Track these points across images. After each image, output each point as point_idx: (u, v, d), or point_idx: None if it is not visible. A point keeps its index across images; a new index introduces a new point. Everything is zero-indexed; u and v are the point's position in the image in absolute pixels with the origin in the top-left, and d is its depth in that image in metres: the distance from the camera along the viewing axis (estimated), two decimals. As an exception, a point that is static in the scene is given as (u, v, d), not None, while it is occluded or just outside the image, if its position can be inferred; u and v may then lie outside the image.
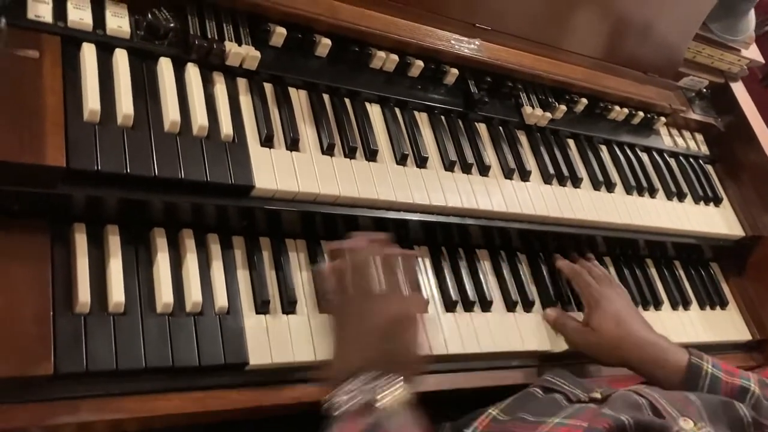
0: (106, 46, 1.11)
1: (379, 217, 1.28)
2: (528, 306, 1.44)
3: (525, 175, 1.50)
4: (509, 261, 1.49)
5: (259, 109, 1.21)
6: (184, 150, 1.09)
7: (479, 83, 1.50)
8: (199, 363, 1.04)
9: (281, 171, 1.17)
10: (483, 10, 1.49)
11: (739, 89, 2.01)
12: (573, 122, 1.68)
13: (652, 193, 1.74)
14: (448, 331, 1.30)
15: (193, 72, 1.17)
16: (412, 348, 1.03)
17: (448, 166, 1.39)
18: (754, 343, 1.84)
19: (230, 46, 1.19)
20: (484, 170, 1.44)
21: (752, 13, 1.95)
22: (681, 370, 1.26)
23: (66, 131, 0.99)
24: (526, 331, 1.41)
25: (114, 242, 1.05)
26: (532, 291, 1.47)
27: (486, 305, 1.38)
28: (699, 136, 2.00)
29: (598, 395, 1.12)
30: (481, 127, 1.53)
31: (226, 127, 1.15)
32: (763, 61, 2.02)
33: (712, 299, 1.82)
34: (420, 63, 1.42)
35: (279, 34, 1.25)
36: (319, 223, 1.25)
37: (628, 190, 1.69)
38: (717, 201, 1.89)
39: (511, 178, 1.48)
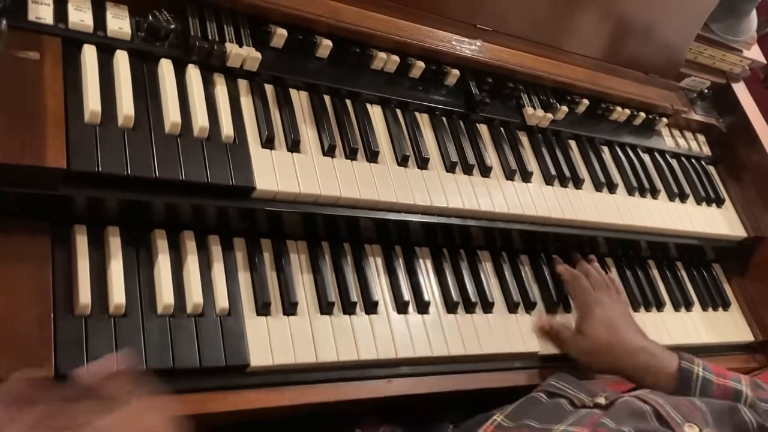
0: (106, 48, 1.11)
1: (380, 218, 1.27)
2: (530, 307, 1.44)
3: (526, 176, 1.50)
4: (511, 262, 1.48)
5: (260, 111, 1.21)
6: (184, 151, 1.09)
7: (480, 84, 1.50)
8: (199, 364, 1.04)
9: (282, 172, 1.17)
10: (484, 11, 1.49)
11: (740, 90, 2.01)
12: (574, 123, 1.68)
13: (654, 194, 1.74)
14: (450, 333, 1.30)
15: (193, 73, 1.17)
16: None
17: (450, 167, 1.39)
18: (757, 344, 1.84)
19: (231, 48, 1.19)
20: (485, 171, 1.44)
21: (754, 14, 1.95)
22: (672, 376, 1.26)
23: (67, 132, 0.99)
24: (527, 332, 1.40)
25: (115, 244, 1.05)
26: (534, 292, 1.47)
27: (487, 306, 1.38)
28: (701, 137, 2.00)
29: (602, 400, 1.12)
30: (483, 128, 1.52)
31: (227, 129, 1.15)
32: (765, 61, 2.02)
33: (714, 300, 1.82)
34: (421, 64, 1.42)
35: (280, 35, 1.25)
36: (321, 225, 1.25)
37: (630, 191, 1.69)
38: (719, 202, 1.88)
39: (512, 179, 1.48)
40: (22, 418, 0.77)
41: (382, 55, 1.37)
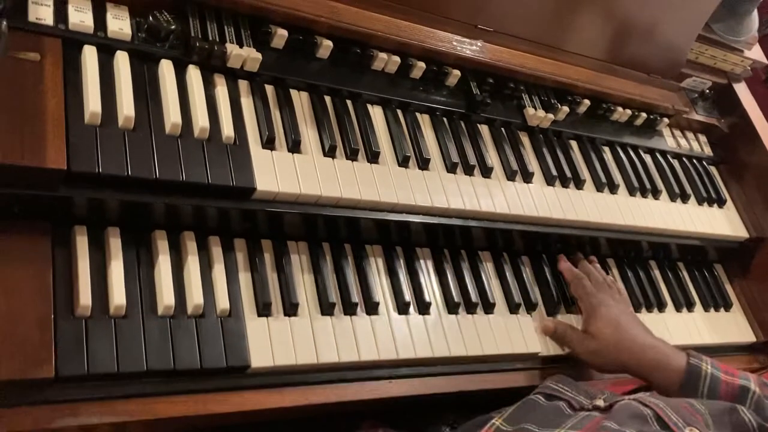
0: (107, 49, 1.11)
1: (381, 219, 1.27)
2: (531, 308, 1.44)
3: (527, 177, 1.50)
4: (512, 263, 1.48)
5: (261, 111, 1.21)
6: (185, 152, 1.09)
7: (481, 85, 1.50)
8: (200, 365, 1.04)
9: (283, 173, 1.17)
10: (485, 11, 1.49)
11: (742, 90, 2.00)
12: (576, 124, 1.67)
13: (656, 194, 1.73)
14: (451, 333, 1.29)
15: (194, 74, 1.17)
16: None
17: (450, 168, 1.39)
18: (759, 344, 1.84)
19: (231, 48, 1.19)
20: (486, 172, 1.44)
21: (755, 14, 1.95)
22: (681, 372, 1.26)
23: (67, 133, 0.99)
24: (529, 333, 1.40)
25: (115, 245, 1.05)
26: (535, 293, 1.47)
27: (489, 307, 1.38)
28: (702, 137, 2.00)
29: (601, 402, 1.11)
30: (484, 129, 1.52)
31: (228, 129, 1.14)
32: (766, 61, 2.01)
33: (716, 301, 1.82)
34: (422, 64, 1.41)
35: (280, 35, 1.25)
36: (321, 225, 1.25)
37: (632, 192, 1.68)
38: (720, 202, 1.88)
39: (513, 180, 1.48)
40: None
41: (383, 55, 1.37)
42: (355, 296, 1.23)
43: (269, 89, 1.26)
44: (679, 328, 1.68)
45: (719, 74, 1.98)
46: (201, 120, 1.12)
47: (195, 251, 1.11)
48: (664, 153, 1.86)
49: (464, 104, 1.49)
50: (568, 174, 1.57)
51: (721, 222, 1.84)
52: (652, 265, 1.76)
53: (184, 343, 1.04)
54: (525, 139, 1.58)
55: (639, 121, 1.78)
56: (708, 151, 1.98)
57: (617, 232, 1.61)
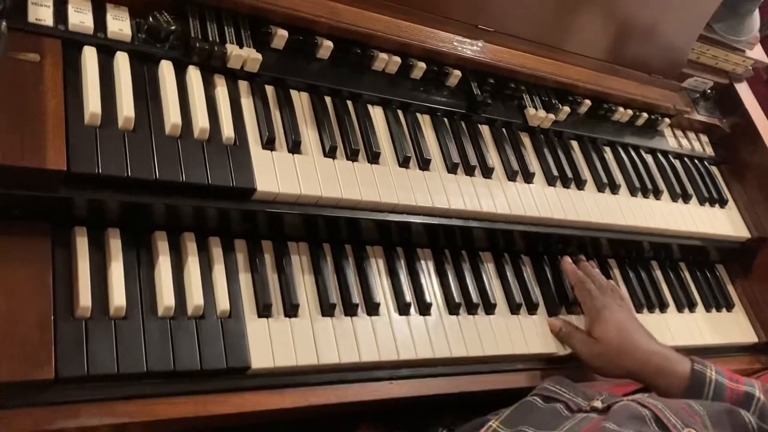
0: (107, 49, 1.11)
1: (381, 219, 1.27)
2: (532, 309, 1.44)
3: (528, 177, 1.49)
4: (513, 263, 1.48)
5: (261, 112, 1.21)
6: (185, 153, 1.08)
7: (482, 85, 1.50)
8: (200, 367, 1.03)
9: (283, 174, 1.17)
10: (486, 11, 1.48)
11: (743, 90, 2.00)
12: (577, 124, 1.67)
13: (657, 194, 1.73)
14: (452, 334, 1.29)
15: (194, 74, 1.17)
16: None
17: (451, 168, 1.38)
18: (761, 345, 1.83)
19: (231, 49, 1.18)
20: (487, 172, 1.43)
21: (757, 14, 1.94)
22: (685, 379, 1.25)
23: (67, 134, 0.99)
24: (530, 333, 1.40)
25: (115, 245, 1.05)
26: (536, 293, 1.46)
27: (490, 308, 1.37)
28: (704, 137, 1.99)
29: (598, 404, 1.11)
30: (484, 129, 1.52)
31: (228, 130, 1.14)
32: (767, 61, 2.01)
33: (717, 301, 1.81)
34: (422, 65, 1.41)
35: (280, 36, 1.25)
36: (322, 226, 1.24)
37: (633, 192, 1.68)
38: (722, 202, 1.88)
39: (514, 180, 1.47)
40: None
41: (384, 56, 1.37)
42: (356, 297, 1.23)
43: (269, 90, 1.26)
44: (681, 329, 1.68)
45: (721, 74, 1.98)
46: (201, 121, 1.12)
47: (195, 252, 1.11)
48: (665, 153, 1.86)
49: (465, 104, 1.49)
50: (569, 174, 1.57)
51: (723, 222, 1.84)
52: (654, 265, 1.75)
53: (184, 344, 1.03)
54: (526, 140, 1.58)
55: (640, 122, 1.78)
56: (709, 151, 1.98)
57: (618, 233, 1.61)
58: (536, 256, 1.53)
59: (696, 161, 1.93)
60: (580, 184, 1.58)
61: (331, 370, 1.16)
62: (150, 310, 1.04)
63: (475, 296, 1.36)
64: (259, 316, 1.13)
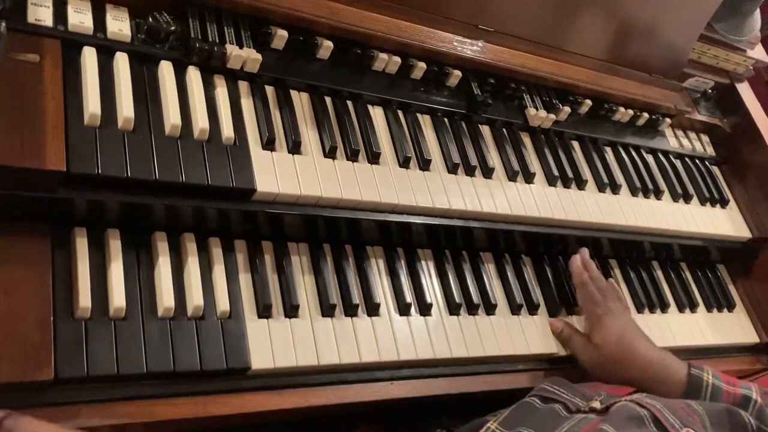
0: (106, 50, 1.11)
1: (381, 219, 1.27)
2: (533, 309, 1.43)
3: (529, 177, 1.49)
4: (513, 264, 1.48)
5: (261, 112, 1.21)
6: (185, 153, 1.08)
7: (482, 85, 1.50)
8: (200, 367, 1.03)
9: (283, 174, 1.17)
10: (486, 11, 1.48)
11: (744, 90, 2.00)
12: (577, 124, 1.67)
13: (658, 194, 1.73)
14: (452, 335, 1.29)
15: (194, 75, 1.17)
16: None
17: (452, 169, 1.38)
18: (762, 345, 1.83)
19: (231, 49, 1.18)
20: (487, 172, 1.43)
21: (758, 13, 1.94)
22: (682, 384, 1.25)
23: (66, 135, 0.99)
24: (531, 334, 1.39)
25: (115, 246, 1.05)
26: (537, 294, 1.46)
27: (490, 308, 1.37)
28: (705, 137, 1.99)
29: (597, 404, 1.11)
30: (485, 129, 1.52)
31: (228, 130, 1.14)
32: (768, 61, 2.01)
33: (719, 301, 1.81)
34: (423, 65, 1.41)
35: (280, 36, 1.25)
36: (322, 227, 1.24)
37: (634, 192, 1.68)
38: (723, 202, 1.87)
39: (514, 181, 1.47)
40: None
41: (384, 56, 1.36)
42: (356, 297, 1.22)
43: (269, 90, 1.26)
44: (682, 329, 1.67)
45: (722, 74, 1.97)
46: (201, 121, 1.12)
47: (195, 253, 1.11)
48: (666, 153, 1.86)
49: (465, 105, 1.49)
50: (570, 174, 1.57)
51: (724, 222, 1.83)
52: (655, 265, 1.75)
53: (184, 344, 1.03)
54: (526, 140, 1.57)
55: (641, 122, 1.77)
56: (710, 151, 1.98)
57: (619, 233, 1.61)
58: (537, 256, 1.53)
59: (697, 161, 1.92)
60: (581, 184, 1.58)
61: (332, 371, 1.16)
62: (150, 311, 1.04)
63: (475, 297, 1.36)
64: (259, 316, 1.13)
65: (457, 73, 1.46)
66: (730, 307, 1.83)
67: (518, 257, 1.49)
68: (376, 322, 1.22)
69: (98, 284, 1.01)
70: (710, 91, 1.96)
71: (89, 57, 1.08)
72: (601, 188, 1.62)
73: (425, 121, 1.43)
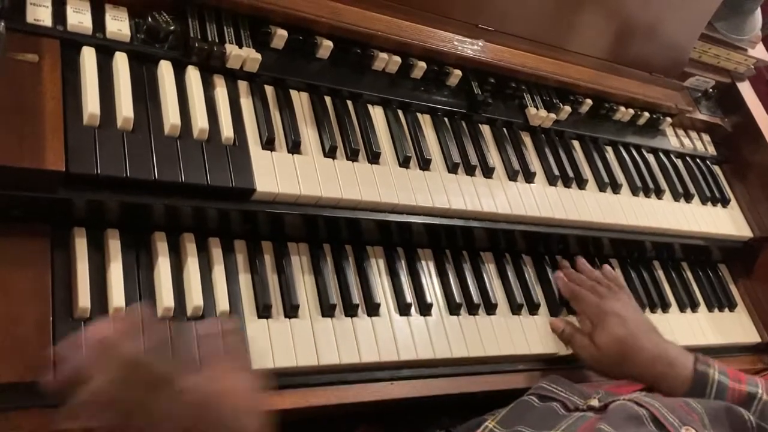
0: (105, 50, 1.11)
1: (381, 219, 1.27)
2: (533, 309, 1.43)
3: (529, 177, 1.49)
4: (514, 263, 1.47)
5: (260, 112, 1.21)
6: (184, 153, 1.08)
7: (483, 84, 1.49)
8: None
9: (283, 174, 1.16)
10: (486, 10, 1.48)
11: (745, 89, 1.99)
12: (578, 123, 1.67)
13: (659, 194, 1.72)
14: (452, 335, 1.29)
15: (193, 75, 1.17)
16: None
17: (452, 168, 1.38)
18: (763, 345, 1.82)
19: (231, 49, 1.18)
20: (487, 172, 1.43)
21: (758, 13, 1.94)
22: (688, 380, 1.24)
23: (65, 135, 0.99)
24: (531, 334, 1.39)
25: (114, 246, 1.05)
26: (538, 294, 1.46)
27: (491, 308, 1.37)
28: (706, 137, 1.99)
29: (595, 402, 1.10)
30: (485, 129, 1.52)
31: (227, 130, 1.14)
32: (769, 60, 2.00)
33: (720, 301, 1.81)
34: (423, 64, 1.41)
35: (280, 36, 1.24)
36: (322, 227, 1.24)
37: (635, 192, 1.67)
38: (724, 202, 1.87)
39: (515, 180, 1.47)
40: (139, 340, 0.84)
41: (384, 55, 1.36)
42: (356, 297, 1.22)
43: (269, 90, 1.26)
44: (683, 329, 1.67)
45: (722, 73, 1.97)
46: (200, 121, 1.12)
47: (195, 253, 1.11)
48: (667, 152, 1.85)
49: (465, 104, 1.49)
50: (571, 174, 1.56)
51: (725, 221, 1.83)
52: (656, 265, 1.74)
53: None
54: (527, 139, 1.57)
55: (642, 121, 1.77)
56: (711, 150, 1.97)
57: (620, 232, 1.60)
58: (537, 256, 1.52)
59: (698, 160, 1.92)
60: (582, 184, 1.58)
61: (331, 371, 1.15)
62: (149, 311, 1.04)
63: (476, 296, 1.36)
64: (259, 316, 1.12)
65: (458, 72, 1.45)
66: (732, 306, 1.82)
67: (519, 257, 1.49)
68: (376, 322, 1.22)
69: (97, 284, 1.01)
70: (711, 90, 1.95)
71: (88, 57, 1.08)
72: (601, 188, 1.61)
73: (425, 121, 1.43)
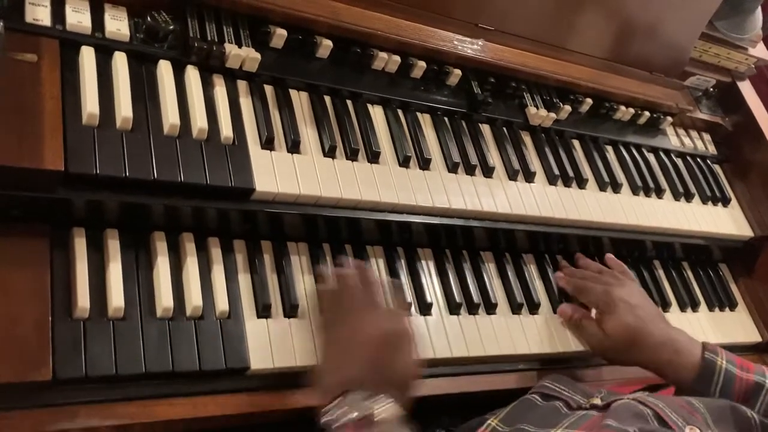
0: (105, 49, 1.11)
1: (381, 219, 1.27)
2: (533, 308, 1.43)
3: (529, 176, 1.49)
4: (514, 263, 1.47)
5: (260, 112, 1.21)
6: (183, 153, 1.08)
7: (483, 84, 1.49)
8: (199, 368, 1.03)
9: (282, 174, 1.16)
10: (486, 10, 1.48)
11: (746, 88, 1.99)
12: (578, 123, 1.66)
13: (659, 193, 1.72)
14: (452, 334, 1.29)
15: (192, 74, 1.16)
16: (404, 365, 1.04)
17: (452, 168, 1.38)
18: (764, 344, 1.82)
19: (230, 48, 1.18)
20: (487, 171, 1.43)
21: (759, 12, 1.93)
22: (695, 367, 1.24)
23: (65, 135, 0.99)
24: (531, 333, 1.39)
25: (114, 246, 1.05)
26: (538, 293, 1.45)
27: (491, 308, 1.37)
28: (706, 136, 1.98)
29: (598, 401, 1.10)
30: (485, 128, 1.51)
31: (226, 130, 1.14)
32: (770, 59, 2.00)
33: (721, 300, 1.80)
34: (423, 64, 1.41)
35: (279, 35, 1.24)
36: (321, 226, 1.24)
37: (635, 191, 1.67)
38: (725, 201, 1.87)
39: (515, 180, 1.47)
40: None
41: (383, 55, 1.36)
42: (356, 297, 1.22)
43: (268, 89, 1.25)
44: (684, 328, 1.63)
45: (723, 72, 1.97)
46: (199, 121, 1.12)
47: (194, 252, 1.11)
48: (667, 152, 1.85)
49: (465, 104, 1.48)
50: (571, 173, 1.56)
51: (726, 221, 1.83)
52: (656, 264, 1.74)
53: (183, 345, 1.03)
54: (527, 139, 1.57)
55: (642, 120, 1.77)
56: (712, 149, 1.97)
57: (620, 232, 1.60)
58: (538, 255, 1.52)
59: (698, 160, 1.92)
60: (582, 183, 1.58)
61: (331, 371, 1.15)
62: (148, 311, 1.03)
63: (476, 296, 1.35)
64: (259, 316, 1.12)
65: (458, 72, 1.45)
66: (732, 306, 1.82)
67: (519, 256, 1.48)
68: (376, 322, 1.22)
69: (97, 284, 1.01)
70: (712, 89, 1.95)
71: (87, 56, 1.08)
72: (602, 187, 1.61)
73: (425, 120, 1.43)
